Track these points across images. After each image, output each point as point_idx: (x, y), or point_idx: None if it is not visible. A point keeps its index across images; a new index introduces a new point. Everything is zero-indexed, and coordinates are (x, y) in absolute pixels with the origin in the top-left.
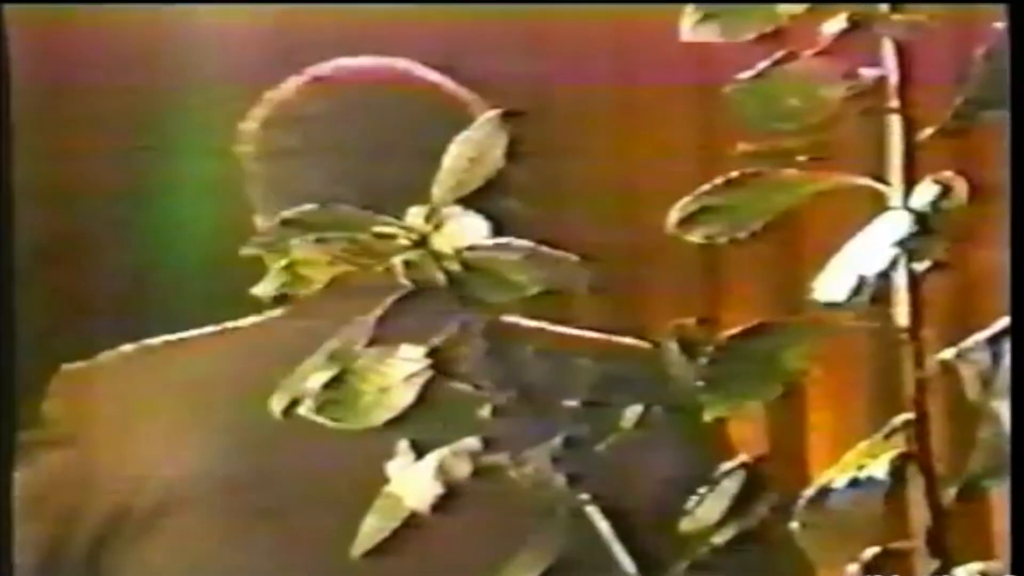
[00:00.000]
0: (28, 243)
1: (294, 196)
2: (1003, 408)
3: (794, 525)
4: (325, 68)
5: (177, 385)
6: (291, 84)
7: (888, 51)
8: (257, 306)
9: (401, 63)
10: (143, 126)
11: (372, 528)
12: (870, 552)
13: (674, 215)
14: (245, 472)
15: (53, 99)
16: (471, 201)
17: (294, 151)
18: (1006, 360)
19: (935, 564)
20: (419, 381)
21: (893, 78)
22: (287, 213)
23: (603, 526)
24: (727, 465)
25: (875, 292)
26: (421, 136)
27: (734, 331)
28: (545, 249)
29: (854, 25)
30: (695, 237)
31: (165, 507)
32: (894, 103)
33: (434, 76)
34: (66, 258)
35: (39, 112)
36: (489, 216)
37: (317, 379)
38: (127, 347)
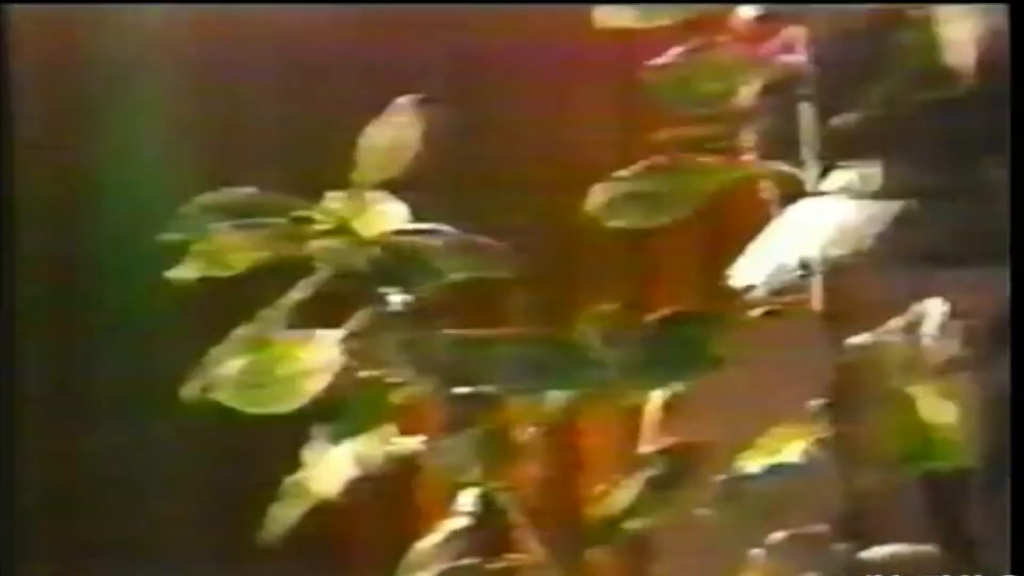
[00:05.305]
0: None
1: None
2: (920, 393)
3: (709, 508)
4: None
5: None
6: None
7: (802, 40)
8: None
9: None
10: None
11: (280, 514)
12: (781, 534)
13: (594, 200)
14: None
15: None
16: (392, 186)
17: None
18: (924, 344)
19: (848, 546)
20: (335, 367)
21: (808, 66)
22: (205, 198)
23: (516, 515)
24: (645, 451)
25: (793, 278)
26: None
27: (654, 317)
28: (470, 236)
29: (769, 14)
30: (618, 223)
31: None
32: (808, 90)
33: None
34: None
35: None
36: (411, 202)
37: (231, 365)
38: None
